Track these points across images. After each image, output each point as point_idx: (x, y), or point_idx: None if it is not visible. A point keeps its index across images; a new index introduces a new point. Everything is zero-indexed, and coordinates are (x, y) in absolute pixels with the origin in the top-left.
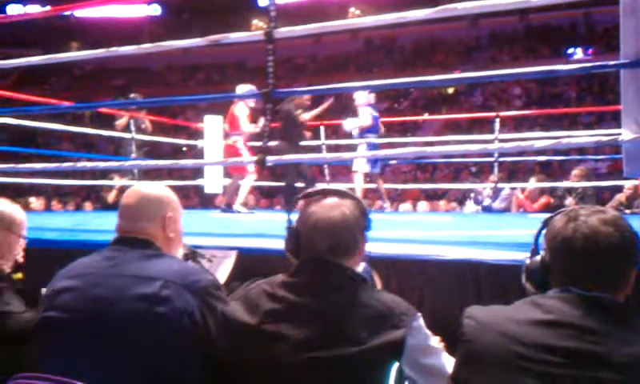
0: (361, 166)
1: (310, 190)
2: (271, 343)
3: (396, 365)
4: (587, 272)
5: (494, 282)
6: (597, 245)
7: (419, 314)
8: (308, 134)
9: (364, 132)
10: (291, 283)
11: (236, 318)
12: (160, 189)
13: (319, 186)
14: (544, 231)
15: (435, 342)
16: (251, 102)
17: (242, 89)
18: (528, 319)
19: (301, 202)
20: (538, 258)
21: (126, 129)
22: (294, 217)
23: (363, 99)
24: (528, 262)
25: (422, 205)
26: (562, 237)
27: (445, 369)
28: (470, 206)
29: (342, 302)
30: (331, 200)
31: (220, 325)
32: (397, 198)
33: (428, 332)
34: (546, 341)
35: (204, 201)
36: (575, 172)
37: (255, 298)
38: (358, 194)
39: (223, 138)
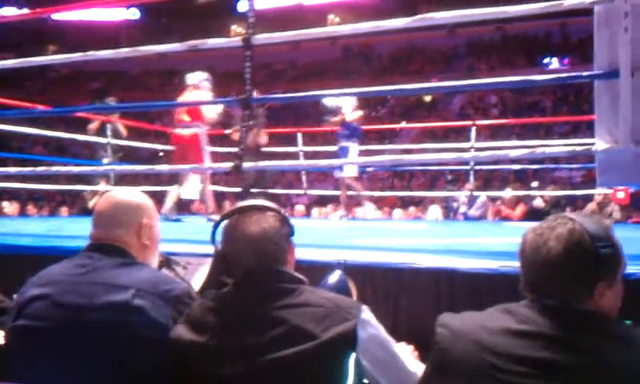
0: (351, 170)
1: (230, 209)
2: (224, 357)
3: (353, 356)
4: (540, 282)
5: (469, 290)
6: (546, 255)
7: (365, 306)
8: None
9: (350, 136)
10: (234, 296)
11: (183, 339)
12: (135, 195)
13: (249, 201)
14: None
15: (385, 332)
16: (206, 89)
17: (193, 77)
18: (501, 328)
19: (223, 223)
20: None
21: (99, 133)
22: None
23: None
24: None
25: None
26: (525, 248)
27: (400, 359)
28: (432, 212)
29: (290, 304)
30: (250, 216)
31: (168, 352)
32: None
33: (377, 324)
34: (517, 351)
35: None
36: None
37: (199, 316)
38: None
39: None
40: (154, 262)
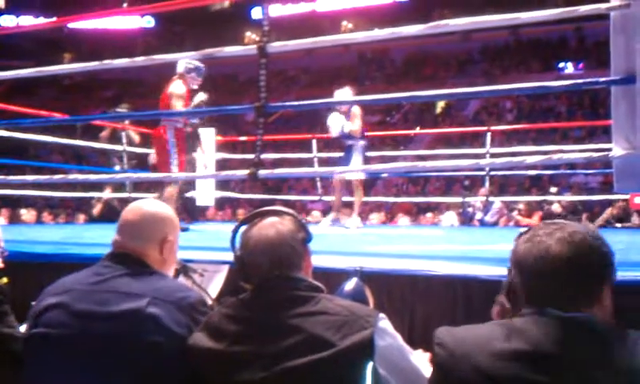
0: (358, 173)
1: (247, 215)
2: (242, 364)
3: (370, 364)
4: (547, 293)
5: (485, 297)
6: (552, 263)
7: (383, 314)
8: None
9: (357, 137)
10: (252, 303)
11: (201, 346)
12: (162, 208)
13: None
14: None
15: (402, 341)
16: (193, 81)
17: (180, 64)
18: (501, 350)
19: (242, 228)
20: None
21: (111, 140)
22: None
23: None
24: (506, 277)
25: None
26: (521, 256)
27: (417, 368)
28: (448, 218)
29: (307, 312)
30: (267, 220)
31: (187, 358)
32: (389, 211)
33: (394, 332)
34: (519, 375)
35: (194, 214)
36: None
37: (217, 324)
38: (360, 201)
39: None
40: (171, 273)
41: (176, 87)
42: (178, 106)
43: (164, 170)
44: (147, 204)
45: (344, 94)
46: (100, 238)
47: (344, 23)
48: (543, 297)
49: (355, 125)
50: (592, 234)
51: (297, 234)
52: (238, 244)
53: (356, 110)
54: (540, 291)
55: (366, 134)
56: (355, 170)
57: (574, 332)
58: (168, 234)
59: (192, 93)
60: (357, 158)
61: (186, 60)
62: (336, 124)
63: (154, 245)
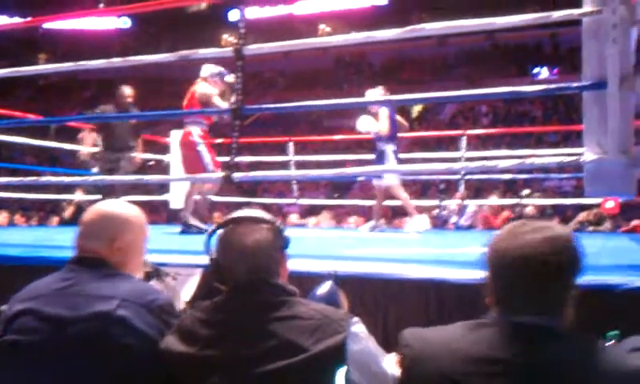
0: (392, 178)
1: (225, 219)
2: (215, 368)
3: (343, 368)
4: (517, 295)
5: (458, 300)
6: (526, 265)
7: (356, 318)
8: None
9: (387, 139)
10: (225, 307)
11: (174, 350)
12: (123, 208)
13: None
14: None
15: (375, 344)
16: (216, 85)
17: (205, 69)
18: (465, 354)
19: (219, 231)
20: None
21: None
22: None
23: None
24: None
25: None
26: (495, 256)
27: (389, 372)
28: (416, 222)
29: (281, 316)
30: (245, 226)
31: (160, 361)
32: (365, 214)
33: (368, 336)
34: (479, 378)
35: (171, 216)
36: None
37: (190, 327)
38: (408, 203)
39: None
40: (139, 274)
41: (205, 88)
42: (218, 102)
43: (194, 172)
44: (105, 205)
45: (375, 93)
46: (72, 240)
47: (321, 26)
48: (511, 300)
49: (382, 125)
50: (571, 236)
51: (274, 242)
52: (213, 247)
53: (382, 111)
54: (508, 294)
55: (400, 135)
56: (325, 176)
57: (537, 338)
58: (122, 234)
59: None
60: (391, 161)
61: (211, 65)
62: (364, 125)
63: (109, 245)
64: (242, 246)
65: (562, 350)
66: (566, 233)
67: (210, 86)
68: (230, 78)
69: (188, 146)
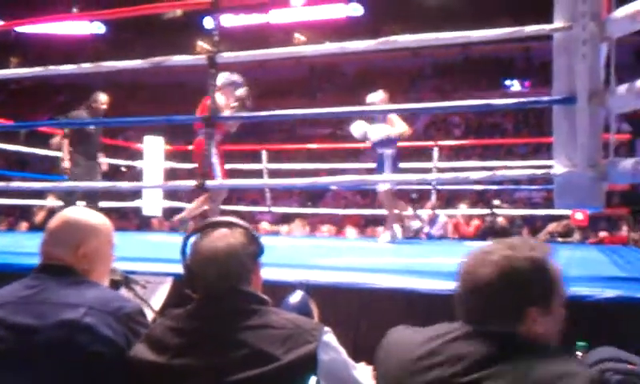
0: (385, 184)
1: (200, 224)
2: (185, 377)
3: (313, 379)
4: (471, 308)
5: (429, 310)
6: (475, 282)
7: (328, 328)
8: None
9: (390, 142)
10: (196, 316)
11: (143, 358)
12: (88, 215)
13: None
14: None
15: (346, 355)
16: (230, 95)
17: (220, 77)
18: (422, 352)
19: (193, 237)
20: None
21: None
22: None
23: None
24: None
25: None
26: (460, 272)
27: (359, 382)
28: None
29: (252, 325)
30: (218, 232)
31: (128, 369)
32: (338, 223)
33: (338, 346)
34: (430, 376)
35: (142, 223)
36: None
37: (160, 336)
38: (395, 212)
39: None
40: (105, 282)
41: (217, 98)
42: (227, 113)
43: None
44: (70, 211)
45: (377, 97)
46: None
47: (296, 36)
48: (469, 313)
49: (401, 126)
50: (524, 258)
51: (247, 247)
52: (188, 253)
53: (393, 115)
54: (466, 307)
55: (399, 143)
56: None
57: (494, 347)
58: (86, 240)
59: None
60: (387, 170)
61: (225, 74)
62: (357, 130)
63: (73, 252)
64: (213, 252)
65: (518, 359)
66: (523, 250)
67: (222, 96)
68: (241, 90)
69: (200, 154)
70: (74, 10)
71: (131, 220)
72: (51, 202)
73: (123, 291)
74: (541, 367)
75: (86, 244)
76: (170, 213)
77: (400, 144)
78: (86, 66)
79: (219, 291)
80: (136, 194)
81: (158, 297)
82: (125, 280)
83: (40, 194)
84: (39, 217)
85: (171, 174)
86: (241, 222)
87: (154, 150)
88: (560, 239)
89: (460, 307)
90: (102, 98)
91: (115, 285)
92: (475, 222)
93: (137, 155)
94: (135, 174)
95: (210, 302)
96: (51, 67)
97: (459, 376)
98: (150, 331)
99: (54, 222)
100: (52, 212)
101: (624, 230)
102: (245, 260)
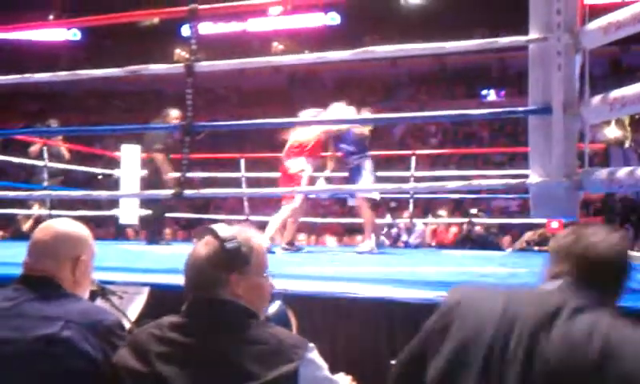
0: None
1: (198, 229)
2: None
3: None
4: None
5: (408, 320)
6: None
7: (312, 345)
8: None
9: (359, 152)
10: (180, 325)
11: (125, 365)
12: (76, 227)
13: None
14: None
15: (328, 372)
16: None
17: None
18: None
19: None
20: None
21: (40, 156)
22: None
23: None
24: None
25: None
26: None
27: None
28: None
29: (233, 339)
30: (203, 240)
31: (110, 378)
32: (316, 231)
33: (322, 363)
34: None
35: (119, 232)
36: None
37: (144, 343)
38: (370, 224)
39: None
40: (86, 295)
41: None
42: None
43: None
44: (59, 223)
45: (339, 108)
46: (17, 256)
47: (275, 44)
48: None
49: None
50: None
51: (215, 259)
52: None
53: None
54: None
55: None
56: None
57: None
58: (81, 253)
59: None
60: (366, 177)
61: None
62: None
63: (66, 265)
64: (191, 260)
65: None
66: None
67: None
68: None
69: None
70: (50, 16)
71: (107, 229)
72: (41, 210)
73: (99, 302)
74: None
75: (77, 256)
76: (145, 222)
77: (377, 152)
78: (63, 74)
79: (201, 302)
80: (112, 203)
81: (134, 307)
82: (101, 290)
83: (21, 202)
84: (28, 225)
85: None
86: (228, 232)
87: (130, 158)
88: (536, 248)
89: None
90: (174, 114)
91: (92, 295)
92: (454, 229)
93: (114, 163)
94: (112, 183)
95: (192, 312)
96: (27, 75)
97: None
98: (135, 338)
99: (41, 233)
100: (38, 221)
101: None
102: (219, 272)
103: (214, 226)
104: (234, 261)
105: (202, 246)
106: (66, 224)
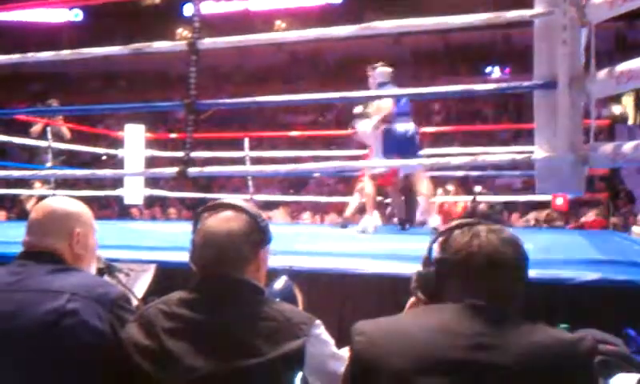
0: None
1: (209, 204)
2: (170, 363)
3: (299, 374)
4: (484, 288)
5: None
6: (495, 263)
7: (319, 321)
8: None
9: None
10: (188, 300)
11: (134, 341)
12: (70, 203)
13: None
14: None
15: (335, 348)
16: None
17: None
18: (424, 328)
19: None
20: (432, 269)
21: (42, 136)
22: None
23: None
24: (422, 271)
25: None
26: (466, 252)
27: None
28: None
29: (241, 315)
30: (224, 213)
31: (118, 352)
32: (321, 210)
33: (329, 339)
34: (438, 353)
35: (123, 212)
36: None
37: (152, 318)
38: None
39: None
40: (92, 269)
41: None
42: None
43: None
44: (55, 201)
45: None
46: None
47: (277, 23)
48: (469, 290)
49: (381, 111)
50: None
51: (249, 235)
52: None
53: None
54: (468, 285)
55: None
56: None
57: (486, 320)
58: (76, 227)
59: None
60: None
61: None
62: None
63: (63, 240)
64: (212, 235)
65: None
66: (513, 235)
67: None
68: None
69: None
70: None
71: (112, 209)
72: (44, 190)
73: (106, 279)
74: None
75: (72, 229)
76: (150, 201)
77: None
78: (65, 53)
79: (213, 275)
80: (117, 183)
81: (141, 284)
82: (108, 268)
83: (23, 182)
84: (31, 205)
85: (152, 162)
86: (248, 207)
87: (134, 138)
88: (545, 224)
89: (463, 286)
90: None
91: (99, 272)
92: (461, 204)
93: (117, 143)
94: (116, 163)
95: (203, 288)
96: (29, 54)
97: None
98: (143, 313)
99: (36, 213)
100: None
101: (589, 215)
102: (242, 247)
103: (231, 201)
104: (266, 237)
105: (228, 222)
106: (58, 201)
